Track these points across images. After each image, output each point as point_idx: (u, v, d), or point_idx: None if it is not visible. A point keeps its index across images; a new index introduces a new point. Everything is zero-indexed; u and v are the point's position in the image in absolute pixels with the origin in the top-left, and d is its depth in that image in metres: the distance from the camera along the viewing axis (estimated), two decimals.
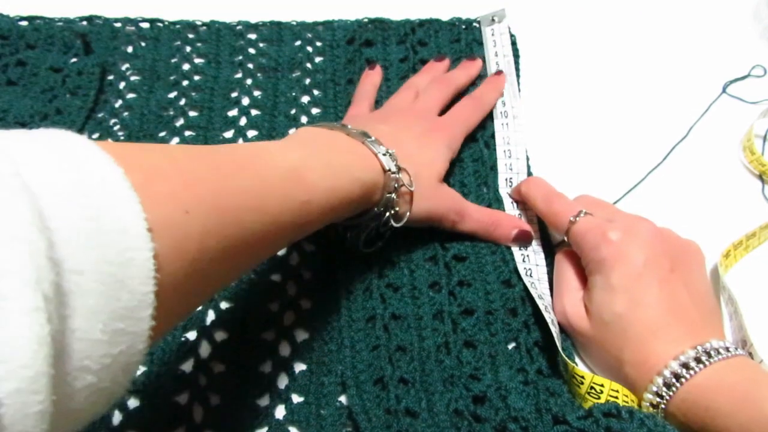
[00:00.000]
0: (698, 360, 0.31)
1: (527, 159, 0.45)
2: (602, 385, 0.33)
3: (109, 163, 0.21)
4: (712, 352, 0.31)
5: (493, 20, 0.52)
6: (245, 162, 0.29)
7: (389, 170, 0.36)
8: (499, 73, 0.49)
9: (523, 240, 0.41)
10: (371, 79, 0.50)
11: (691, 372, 0.30)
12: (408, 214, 0.38)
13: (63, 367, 0.18)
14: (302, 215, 0.30)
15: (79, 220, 0.19)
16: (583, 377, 0.34)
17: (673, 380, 0.31)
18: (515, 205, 0.44)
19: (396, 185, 0.36)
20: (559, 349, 0.35)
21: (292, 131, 0.48)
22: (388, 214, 0.37)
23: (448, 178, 0.44)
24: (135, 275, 0.20)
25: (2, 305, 0.16)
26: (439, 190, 0.40)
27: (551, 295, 0.39)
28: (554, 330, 0.36)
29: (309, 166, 0.31)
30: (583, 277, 0.37)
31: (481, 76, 0.50)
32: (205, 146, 0.28)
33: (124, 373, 0.21)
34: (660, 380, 0.31)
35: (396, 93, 0.48)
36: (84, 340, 0.19)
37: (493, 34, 0.52)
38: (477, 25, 0.53)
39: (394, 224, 0.38)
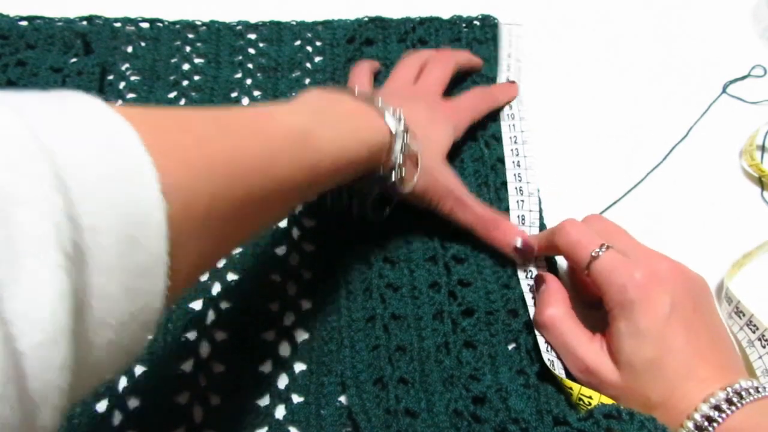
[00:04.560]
0: (730, 402, 0.30)
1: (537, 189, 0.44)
2: (591, 397, 0.33)
3: (123, 124, 0.22)
4: (743, 393, 0.30)
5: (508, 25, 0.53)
6: (254, 124, 0.29)
7: (396, 132, 0.36)
8: (512, 83, 0.49)
9: (525, 253, 0.39)
10: (366, 61, 0.49)
11: (723, 415, 0.29)
12: (415, 179, 0.37)
13: (83, 323, 0.19)
14: (310, 178, 0.30)
15: (96, 179, 0.20)
16: (571, 388, 0.34)
17: (705, 423, 0.29)
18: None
19: (402, 149, 0.36)
20: (545, 360, 0.35)
21: None
22: (394, 178, 0.37)
23: None
24: (149, 235, 0.21)
25: (25, 262, 0.17)
26: (443, 168, 0.40)
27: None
28: (542, 341, 0.36)
29: (317, 129, 0.31)
30: (588, 328, 0.35)
31: (482, 76, 0.50)
32: (215, 108, 0.29)
33: (143, 330, 0.22)
34: (691, 424, 0.30)
35: (395, 69, 0.47)
36: (103, 297, 0.19)
37: (510, 34, 0.52)
38: (477, 23, 0.53)
39: (401, 190, 0.37)
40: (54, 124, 0.20)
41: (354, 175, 0.35)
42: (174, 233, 0.22)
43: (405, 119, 0.37)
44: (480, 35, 0.53)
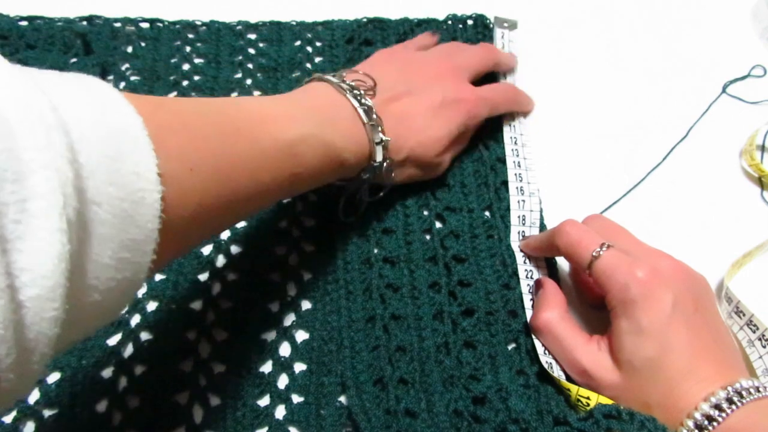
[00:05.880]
0: (730, 401, 0.30)
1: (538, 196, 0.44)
2: (588, 398, 0.33)
3: (132, 112, 0.24)
4: (744, 393, 0.30)
5: (504, 26, 0.53)
6: (247, 130, 0.31)
7: (374, 162, 0.38)
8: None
9: None
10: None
11: (724, 414, 0.29)
12: (393, 176, 0.40)
13: (75, 283, 0.21)
14: (290, 184, 0.34)
15: (102, 158, 0.22)
16: (569, 389, 0.34)
17: (705, 422, 0.29)
18: (527, 260, 0.41)
19: (376, 172, 0.39)
20: (543, 363, 0.35)
21: None
22: (360, 190, 0.40)
23: (448, 179, 0.44)
24: (144, 213, 0.23)
25: (32, 222, 0.19)
26: (428, 166, 0.42)
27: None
28: (539, 344, 0.36)
29: (306, 143, 0.34)
30: (590, 330, 0.35)
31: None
32: (214, 103, 0.32)
33: (124, 297, 0.24)
34: (691, 423, 0.30)
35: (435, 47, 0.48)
36: (95, 263, 0.22)
37: (503, 37, 0.52)
38: (471, 22, 0.53)
39: (364, 199, 0.41)
40: (70, 102, 0.22)
41: (334, 179, 0.39)
42: (168, 217, 0.24)
43: (400, 130, 0.39)
44: (472, 35, 0.53)
